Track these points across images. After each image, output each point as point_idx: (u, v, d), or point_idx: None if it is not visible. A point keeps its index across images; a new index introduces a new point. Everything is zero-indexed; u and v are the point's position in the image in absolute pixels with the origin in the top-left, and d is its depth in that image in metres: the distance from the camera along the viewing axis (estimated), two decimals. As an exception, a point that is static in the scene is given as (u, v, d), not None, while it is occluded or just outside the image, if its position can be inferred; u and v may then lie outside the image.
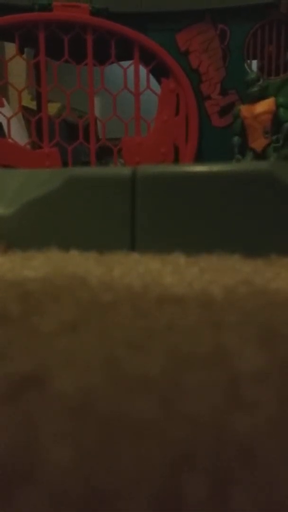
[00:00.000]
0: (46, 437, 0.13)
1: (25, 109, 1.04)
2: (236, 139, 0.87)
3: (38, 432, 0.13)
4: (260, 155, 0.85)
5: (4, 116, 0.88)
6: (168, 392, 0.15)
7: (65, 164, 0.92)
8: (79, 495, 0.11)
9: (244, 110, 0.86)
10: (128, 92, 0.91)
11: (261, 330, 0.21)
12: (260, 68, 0.91)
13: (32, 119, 0.93)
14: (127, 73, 0.90)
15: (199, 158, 0.92)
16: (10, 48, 1.01)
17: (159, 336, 0.20)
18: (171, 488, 0.11)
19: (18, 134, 1.06)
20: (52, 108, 1.20)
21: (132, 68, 0.90)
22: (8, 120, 0.88)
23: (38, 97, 1.01)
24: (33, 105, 1.19)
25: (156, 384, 0.16)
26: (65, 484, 0.11)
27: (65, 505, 0.10)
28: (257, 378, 0.16)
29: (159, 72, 0.92)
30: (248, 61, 0.91)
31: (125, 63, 0.91)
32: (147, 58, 0.90)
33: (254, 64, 0.92)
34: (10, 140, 0.89)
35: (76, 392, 0.15)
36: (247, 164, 0.44)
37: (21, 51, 0.90)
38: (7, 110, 0.94)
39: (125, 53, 0.91)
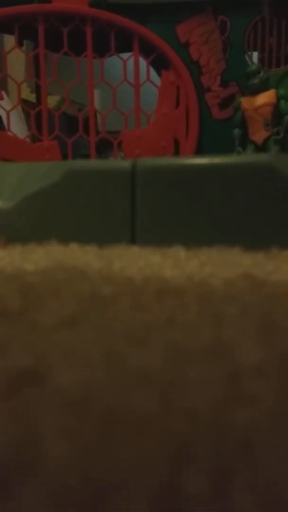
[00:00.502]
0: (45, 432, 0.13)
1: (24, 102, 1.04)
2: (236, 131, 0.87)
3: (38, 427, 0.13)
4: (261, 148, 0.85)
5: (4, 109, 0.88)
6: (168, 387, 0.15)
7: (64, 157, 0.91)
8: (79, 491, 0.11)
9: (245, 102, 0.85)
10: (128, 85, 0.91)
11: (261, 324, 0.21)
12: (261, 60, 0.90)
13: (32, 112, 0.92)
14: (127, 65, 0.90)
15: (200, 150, 0.91)
16: (9, 40, 1.00)
17: (159, 330, 0.20)
18: (170, 484, 0.11)
19: (17, 127, 1.05)
20: (52, 100, 1.20)
21: (131, 60, 0.90)
22: (8, 113, 0.88)
23: (37, 90, 1.00)
24: (32, 97, 1.18)
25: (156, 378, 0.16)
26: (64, 479, 0.11)
27: (64, 501, 0.10)
28: (257, 372, 0.16)
29: (159, 64, 0.91)
30: (249, 53, 0.91)
31: (124, 55, 0.91)
32: (147, 50, 0.89)
33: (255, 56, 0.91)
34: (9, 133, 0.88)
35: (76, 386, 0.15)
36: (247, 157, 0.44)
37: (20, 44, 0.90)
38: (6, 103, 0.93)
39: (124, 45, 0.90)
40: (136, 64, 0.90)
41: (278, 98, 0.83)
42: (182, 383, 0.15)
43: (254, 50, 0.91)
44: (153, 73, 0.92)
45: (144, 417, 0.13)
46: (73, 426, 0.13)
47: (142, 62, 0.91)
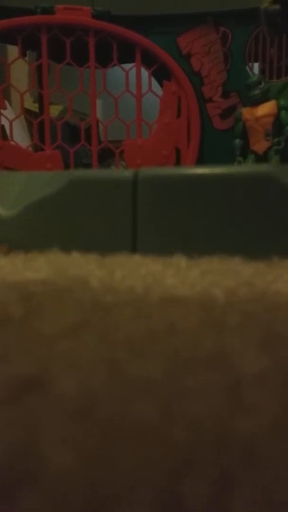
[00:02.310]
0: (47, 440, 0.13)
1: (27, 112, 1.04)
2: (237, 141, 0.87)
3: (40, 435, 0.13)
4: (262, 158, 0.85)
5: (6, 118, 0.89)
6: (169, 395, 0.15)
7: (66, 166, 0.92)
8: (81, 499, 0.11)
9: (246, 112, 0.86)
10: (130, 95, 0.91)
11: (263, 333, 0.21)
12: (262, 71, 0.91)
13: (34, 121, 0.93)
14: (129, 75, 0.90)
15: (201, 160, 0.92)
16: (13, 50, 1.01)
17: (161, 339, 0.20)
18: (172, 492, 0.11)
19: (20, 136, 1.06)
20: (54, 110, 1.21)
21: (133, 70, 0.90)
22: (10, 122, 0.89)
23: (40, 100, 1.01)
24: (35, 107, 1.19)
25: (158, 386, 0.16)
26: (67, 487, 0.11)
27: (66, 509, 0.10)
28: (258, 381, 0.16)
29: (161, 74, 0.92)
30: (250, 64, 0.91)
31: (127, 66, 0.92)
32: (148, 60, 0.90)
33: (256, 67, 0.92)
34: (12, 142, 0.89)
35: (78, 394, 0.15)
36: (248, 167, 0.44)
37: (23, 54, 0.91)
38: (9, 112, 0.94)
39: (127, 56, 0.91)
40: (138, 74, 0.91)
41: (279, 108, 0.84)
42: (184, 392, 0.15)
43: (255, 61, 0.92)
44: (154, 83, 0.93)
45: (145, 426, 0.13)
46: (75, 435, 0.13)
47: (144, 73, 0.91)
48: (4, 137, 0.90)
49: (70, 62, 0.88)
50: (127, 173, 0.40)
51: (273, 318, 0.23)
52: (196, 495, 0.10)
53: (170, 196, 0.39)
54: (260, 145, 0.85)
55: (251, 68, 0.92)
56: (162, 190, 0.39)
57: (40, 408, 0.15)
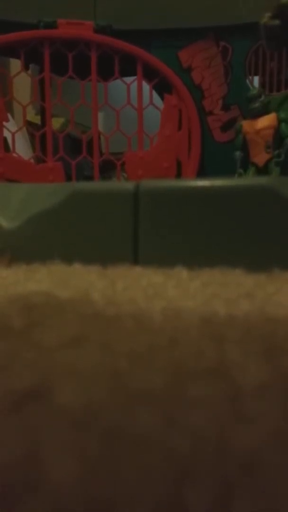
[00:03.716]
0: (48, 451, 0.13)
1: (29, 124, 1.05)
2: (238, 154, 0.88)
3: (41, 445, 0.13)
4: (262, 170, 0.85)
5: (9, 130, 0.89)
6: (171, 407, 0.15)
7: (68, 178, 0.92)
8: (82, 509, 0.11)
9: (246, 125, 0.87)
10: (131, 108, 0.92)
11: (264, 345, 0.21)
12: (262, 84, 0.92)
13: (36, 133, 0.94)
14: (130, 88, 0.91)
15: (202, 172, 0.93)
16: (15, 63, 1.02)
17: (162, 350, 0.20)
18: (173, 502, 0.11)
19: (22, 149, 1.07)
20: (56, 122, 1.22)
21: (135, 84, 0.91)
22: (13, 134, 0.89)
23: (42, 112, 1.02)
24: (37, 119, 1.20)
25: (159, 398, 0.16)
26: (68, 497, 0.11)
27: (68, 519, 0.10)
28: (259, 393, 0.16)
29: (162, 88, 0.93)
30: (250, 77, 0.92)
31: (128, 79, 0.92)
32: (150, 74, 0.91)
33: (256, 80, 0.93)
34: (14, 154, 0.90)
35: (79, 406, 0.15)
36: (249, 179, 0.45)
37: (26, 67, 0.92)
38: (11, 125, 0.95)
39: (128, 69, 0.92)
40: (140, 88, 0.91)
41: (279, 121, 0.84)
42: (185, 403, 0.16)
43: (255, 74, 0.93)
44: (156, 96, 0.94)
45: (146, 436, 0.13)
46: (76, 445, 0.13)
47: (145, 86, 0.92)
48: (7, 149, 0.91)
49: (72, 76, 0.89)
50: (129, 185, 0.40)
51: (274, 330, 0.23)
52: (197, 505, 0.10)
53: (171, 208, 0.39)
54: (260, 157, 0.85)
55: (251, 82, 0.93)
56: (163, 202, 0.39)
57: (41, 418, 0.15)
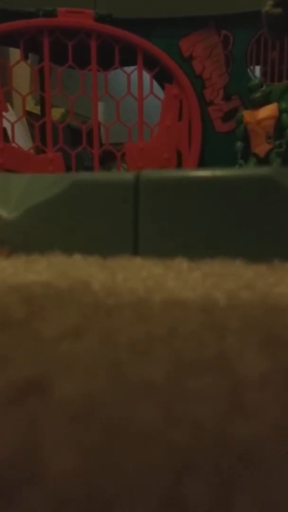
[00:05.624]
0: (49, 442, 0.13)
1: (29, 114, 1.05)
2: (239, 144, 0.87)
3: (41, 437, 0.13)
4: (263, 160, 0.85)
5: (8, 120, 0.89)
6: (171, 398, 0.15)
7: (68, 168, 0.92)
8: (82, 501, 0.11)
9: (247, 115, 0.86)
10: (132, 98, 0.92)
11: (264, 336, 0.21)
12: (263, 74, 0.91)
13: (36, 124, 0.93)
14: (131, 78, 0.91)
15: (202, 163, 0.92)
16: (15, 53, 1.02)
17: (162, 341, 0.20)
18: (174, 494, 0.11)
19: (22, 139, 1.06)
20: (56, 113, 1.21)
21: (135, 73, 0.91)
22: (12, 124, 0.89)
23: (42, 102, 1.01)
24: (37, 110, 1.19)
25: (159, 389, 0.16)
26: (68, 489, 0.11)
27: (68, 511, 0.10)
28: (259, 384, 0.16)
29: (163, 77, 0.92)
30: (251, 67, 0.92)
31: (128, 69, 0.92)
32: (150, 63, 0.90)
33: (257, 70, 0.92)
34: (14, 145, 0.89)
35: (79, 397, 0.15)
36: (249, 170, 0.44)
37: (25, 57, 0.91)
38: (11, 115, 0.94)
39: (128, 59, 0.91)
40: (140, 77, 0.91)
41: (280, 111, 0.84)
42: (185, 394, 0.15)
43: (257, 64, 0.92)
44: (156, 86, 0.93)
45: (147, 428, 0.13)
46: (76, 437, 0.13)
47: (146, 76, 0.92)
48: (6, 139, 0.90)
49: (72, 65, 0.89)
50: (129, 176, 0.40)
51: (274, 321, 0.23)
52: (197, 497, 0.10)
53: (172, 198, 0.39)
54: (261, 147, 0.85)
55: (253, 71, 0.92)
56: (164, 193, 0.39)
57: (42, 410, 0.15)
